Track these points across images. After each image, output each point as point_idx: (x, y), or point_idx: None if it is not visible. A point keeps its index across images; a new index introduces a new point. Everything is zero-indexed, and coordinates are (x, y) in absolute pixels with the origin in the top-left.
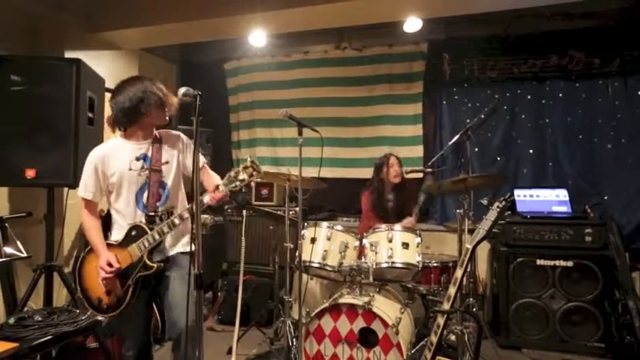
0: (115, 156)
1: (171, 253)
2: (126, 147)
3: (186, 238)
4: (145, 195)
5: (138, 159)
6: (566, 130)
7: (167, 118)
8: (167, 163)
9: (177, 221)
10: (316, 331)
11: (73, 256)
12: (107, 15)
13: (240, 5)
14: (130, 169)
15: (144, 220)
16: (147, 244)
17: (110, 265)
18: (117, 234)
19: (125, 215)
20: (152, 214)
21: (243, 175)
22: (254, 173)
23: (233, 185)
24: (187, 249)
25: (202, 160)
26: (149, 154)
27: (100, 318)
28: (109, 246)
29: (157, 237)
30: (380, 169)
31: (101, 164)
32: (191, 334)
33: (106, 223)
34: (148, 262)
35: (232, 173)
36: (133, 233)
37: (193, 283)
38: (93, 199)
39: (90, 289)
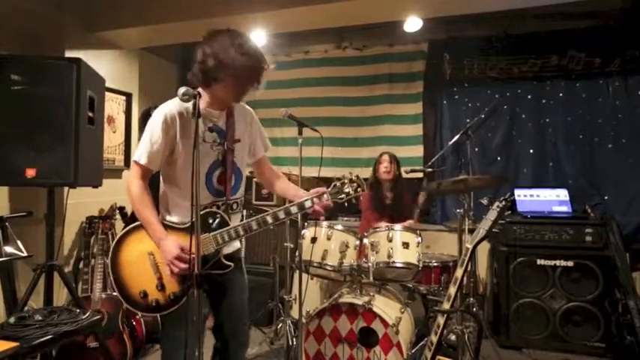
0: (190, 117)
1: (233, 249)
2: (200, 111)
3: None
4: (217, 176)
5: (211, 130)
6: (566, 129)
7: (243, 95)
8: (239, 141)
9: (270, 220)
10: (316, 331)
11: (74, 255)
12: (107, 14)
13: (240, 5)
14: (204, 140)
15: (223, 208)
16: (227, 238)
17: (183, 251)
18: (177, 216)
19: (190, 194)
20: (230, 201)
21: (348, 189)
22: (358, 189)
23: (339, 197)
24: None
25: (263, 149)
26: (223, 128)
27: (139, 316)
28: (167, 228)
29: (241, 233)
30: (375, 167)
31: (172, 121)
32: (245, 343)
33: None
34: (223, 259)
35: (338, 184)
36: (210, 221)
37: (192, 282)
38: (152, 167)
39: (130, 281)
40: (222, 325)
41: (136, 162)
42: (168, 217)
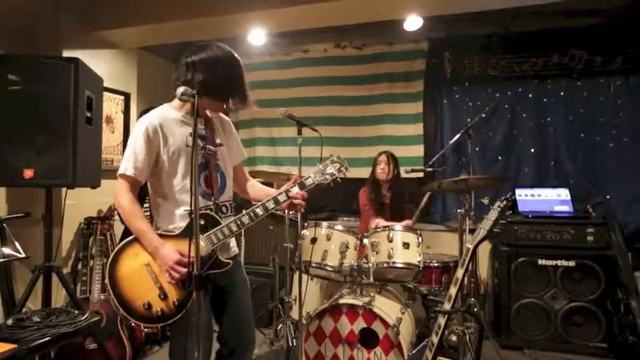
0: (170, 126)
1: (233, 253)
2: (179, 119)
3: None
4: (204, 178)
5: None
6: (567, 128)
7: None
8: (221, 145)
9: (260, 212)
10: (316, 332)
11: (72, 256)
12: (106, 13)
13: (240, 3)
14: (188, 146)
15: (213, 209)
16: (221, 237)
17: (183, 255)
18: (168, 223)
19: (181, 200)
20: (219, 202)
21: (331, 169)
22: (342, 168)
23: (323, 179)
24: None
25: (244, 154)
26: (204, 133)
27: (146, 329)
28: (161, 237)
29: (234, 229)
30: (373, 166)
31: (154, 133)
32: (251, 345)
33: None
34: (221, 257)
35: (320, 166)
36: (202, 223)
37: (193, 284)
38: (139, 179)
39: (132, 296)
40: (227, 328)
41: (122, 175)
42: (160, 225)
